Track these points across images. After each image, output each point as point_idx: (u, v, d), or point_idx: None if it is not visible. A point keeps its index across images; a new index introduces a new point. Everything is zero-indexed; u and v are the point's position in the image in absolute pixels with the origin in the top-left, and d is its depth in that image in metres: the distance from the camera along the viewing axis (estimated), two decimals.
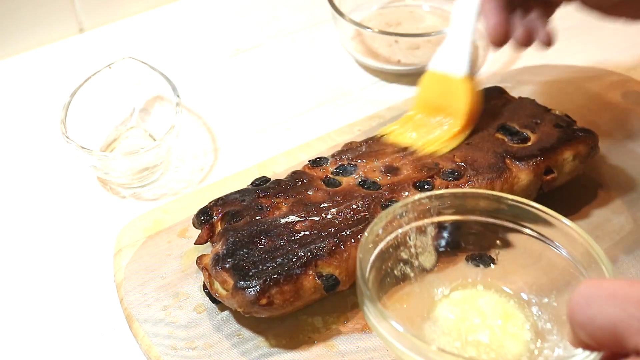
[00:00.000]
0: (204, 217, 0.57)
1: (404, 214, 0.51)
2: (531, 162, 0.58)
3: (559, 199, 0.60)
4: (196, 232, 0.58)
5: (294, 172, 0.60)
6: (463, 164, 0.58)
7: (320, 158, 0.61)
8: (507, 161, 0.58)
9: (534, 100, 0.65)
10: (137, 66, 0.69)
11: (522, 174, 0.58)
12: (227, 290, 0.51)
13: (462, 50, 0.61)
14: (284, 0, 0.89)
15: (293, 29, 0.85)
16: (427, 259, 0.53)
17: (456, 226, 0.53)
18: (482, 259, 0.53)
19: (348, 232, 0.53)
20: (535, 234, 0.51)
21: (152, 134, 0.70)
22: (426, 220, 0.52)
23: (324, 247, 0.52)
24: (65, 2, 0.81)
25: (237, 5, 0.88)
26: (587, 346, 0.36)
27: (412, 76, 0.77)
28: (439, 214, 0.52)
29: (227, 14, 0.87)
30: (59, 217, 0.65)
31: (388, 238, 0.51)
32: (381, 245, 0.50)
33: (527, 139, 0.61)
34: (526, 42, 0.57)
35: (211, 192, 0.62)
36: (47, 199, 0.66)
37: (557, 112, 0.63)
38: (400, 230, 0.51)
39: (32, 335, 0.56)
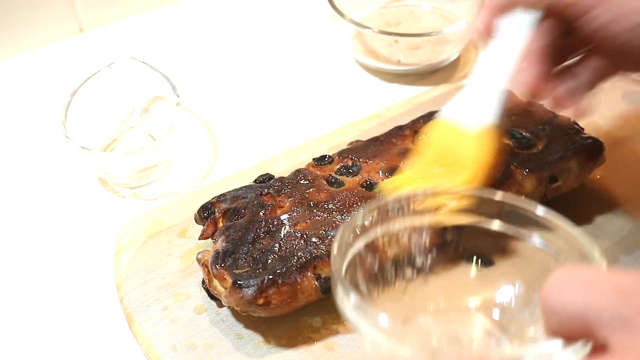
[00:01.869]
0: (205, 213, 0.57)
1: (396, 209, 0.45)
2: (536, 170, 0.57)
3: (559, 199, 0.60)
4: (196, 232, 0.58)
5: (298, 170, 0.59)
6: None
7: (325, 156, 0.60)
8: (512, 167, 0.57)
9: (542, 105, 0.64)
10: (137, 66, 0.69)
11: (527, 181, 0.57)
12: (225, 288, 0.51)
13: (489, 101, 0.51)
14: (283, 1, 0.89)
15: (293, 29, 0.85)
16: (420, 261, 0.49)
17: (456, 229, 0.49)
18: (481, 261, 0.50)
19: None
20: (538, 241, 0.46)
21: (152, 134, 0.70)
22: (422, 219, 0.47)
23: (324, 248, 0.52)
24: (65, 2, 0.81)
25: (237, 5, 0.88)
26: (557, 334, 0.35)
27: (412, 76, 0.78)
28: (434, 214, 0.47)
29: (227, 14, 0.87)
30: (59, 217, 0.65)
31: (375, 233, 0.45)
32: (364, 240, 0.45)
33: (533, 145, 0.60)
34: (561, 105, 0.52)
35: (211, 192, 0.62)
36: (48, 199, 0.66)
37: (565, 118, 0.61)
38: (390, 227, 0.46)
39: (32, 335, 0.56)
